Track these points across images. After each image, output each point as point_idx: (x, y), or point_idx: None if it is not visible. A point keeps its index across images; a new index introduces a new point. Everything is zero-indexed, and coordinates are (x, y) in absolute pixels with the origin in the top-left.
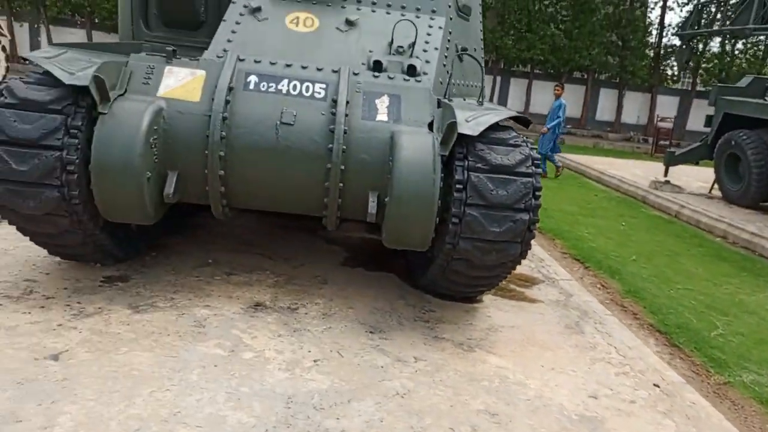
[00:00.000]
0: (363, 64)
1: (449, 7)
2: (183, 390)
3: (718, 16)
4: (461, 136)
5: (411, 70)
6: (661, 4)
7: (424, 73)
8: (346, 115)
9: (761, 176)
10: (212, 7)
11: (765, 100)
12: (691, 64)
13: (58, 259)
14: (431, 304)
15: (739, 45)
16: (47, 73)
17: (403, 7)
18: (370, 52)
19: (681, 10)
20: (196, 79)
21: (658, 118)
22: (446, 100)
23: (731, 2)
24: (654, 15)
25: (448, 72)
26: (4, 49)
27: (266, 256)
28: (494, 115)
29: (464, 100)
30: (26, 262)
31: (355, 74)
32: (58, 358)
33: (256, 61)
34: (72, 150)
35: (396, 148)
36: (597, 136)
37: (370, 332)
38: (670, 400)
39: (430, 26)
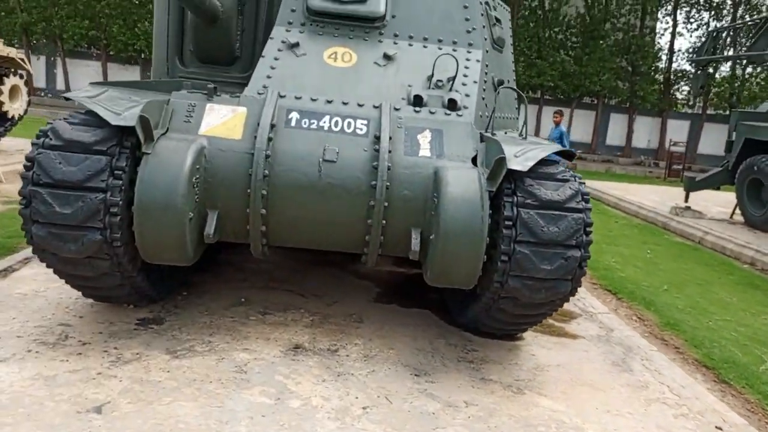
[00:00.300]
0: (403, 98)
1: (485, 40)
2: None
3: (728, 41)
4: (509, 171)
5: (451, 105)
6: (670, 30)
7: (465, 107)
8: (389, 151)
9: None
10: (246, 42)
11: None
12: (705, 89)
13: (90, 300)
14: (473, 343)
15: (749, 69)
16: (91, 112)
17: (439, 41)
18: (410, 86)
19: (690, 35)
20: (238, 116)
21: (671, 143)
22: (489, 134)
23: (743, 29)
24: (663, 41)
25: (486, 105)
26: (27, 83)
27: (298, 294)
28: (542, 150)
29: (505, 133)
30: (59, 304)
31: (396, 109)
32: (101, 410)
33: (296, 98)
34: (116, 191)
35: (441, 183)
36: (608, 160)
37: (416, 375)
38: None
39: (468, 59)
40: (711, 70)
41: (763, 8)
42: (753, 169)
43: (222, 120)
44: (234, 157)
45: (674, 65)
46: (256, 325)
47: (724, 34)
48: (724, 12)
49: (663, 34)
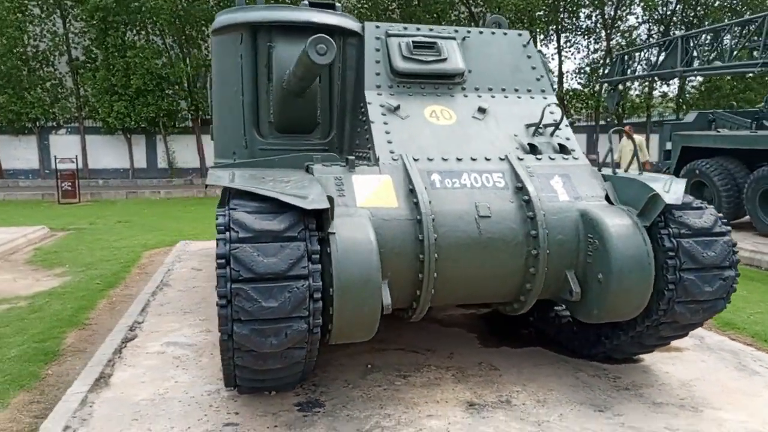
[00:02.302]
0: (517, 148)
1: (552, 86)
2: None
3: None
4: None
5: (562, 149)
6: (557, 57)
7: (573, 150)
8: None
9: (729, 198)
10: (324, 109)
11: (718, 131)
12: (620, 104)
13: (225, 393)
14: (607, 371)
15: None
16: (260, 198)
17: (516, 90)
18: (515, 135)
19: (574, 58)
20: (385, 184)
21: None
22: (610, 174)
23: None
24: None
25: None
26: None
27: (410, 351)
28: (676, 182)
29: (599, 169)
30: (200, 404)
31: (520, 159)
32: None
33: (429, 159)
34: (316, 276)
35: (599, 225)
36: None
37: (599, 411)
38: None
39: (548, 105)
40: (621, 88)
41: (635, 33)
42: (695, 172)
43: (373, 190)
44: (399, 225)
45: (565, 85)
46: (409, 390)
47: (626, 57)
48: (602, 36)
49: (553, 58)
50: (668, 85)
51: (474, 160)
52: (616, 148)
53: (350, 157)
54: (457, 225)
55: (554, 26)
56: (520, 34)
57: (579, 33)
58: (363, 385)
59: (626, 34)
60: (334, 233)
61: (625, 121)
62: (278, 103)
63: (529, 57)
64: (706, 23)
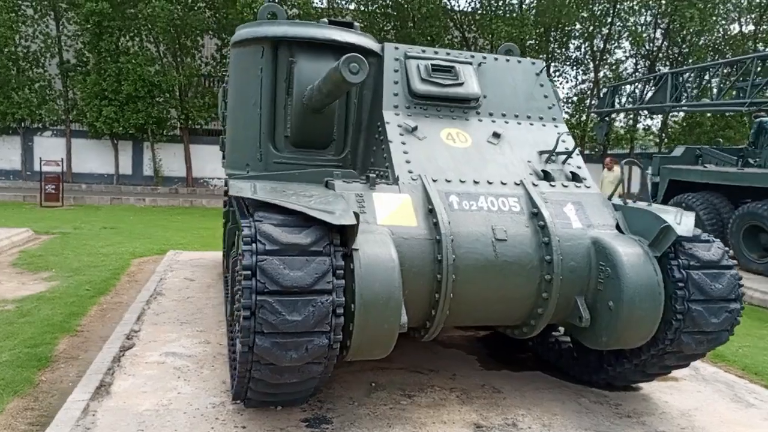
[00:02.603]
0: (531, 174)
1: (562, 115)
2: None
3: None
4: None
5: (575, 177)
6: None
7: (585, 178)
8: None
9: (714, 232)
10: (339, 126)
11: (705, 167)
12: (608, 135)
13: (231, 407)
14: (608, 398)
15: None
16: (286, 211)
17: (528, 117)
18: (529, 162)
19: (562, 87)
20: (404, 203)
21: None
22: (620, 203)
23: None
24: None
25: None
26: None
27: (413, 371)
28: (687, 215)
29: (609, 198)
30: (206, 416)
31: (535, 185)
32: None
33: (447, 181)
34: (340, 292)
35: (612, 253)
36: None
37: None
38: None
39: (559, 133)
40: (608, 119)
41: (621, 67)
42: (681, 205)
43: (393, 208)
44: (418, 244)
45: None
46: (415, 410)
47: (627, 89)
48: (590, 68)
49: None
50: (652, 118)
51: (490, 183)
52: (604, 177)
53: (371, 175)
54: (475, 247)
55: (544, 55)
56: (533, 63)
57: (568, 63)
58: (368, 403)
59: (613, 67)
60: (357, 250)
61: (608, 152)
62: (297, 118)
63: (541, 85)
64: (690, 60)
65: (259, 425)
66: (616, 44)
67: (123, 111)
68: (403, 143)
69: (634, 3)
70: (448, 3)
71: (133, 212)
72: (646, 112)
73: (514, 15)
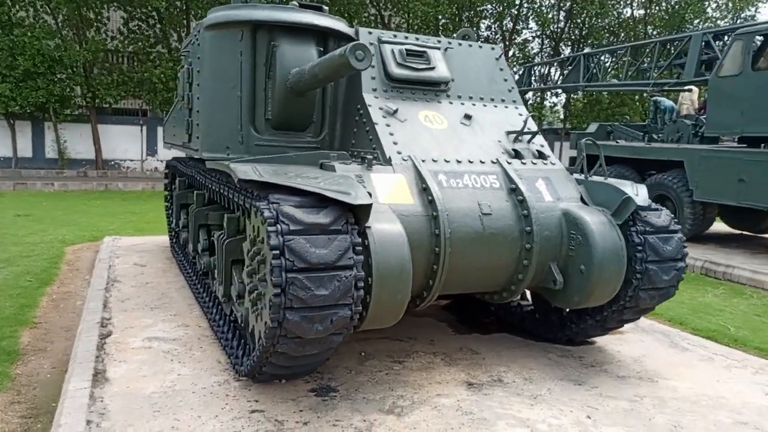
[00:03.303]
0: (503, 153)
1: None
2: None
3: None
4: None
5: (540, 155)
6: None
7: (548, 155)
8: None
9: None
10: (317, 109)
11: (617, 142)
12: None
13: (235, 384)
14: (570, 351)
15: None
16: (301, 193)
17: (492, 100)
18: (499, 141)
19: None
20: (400, 183)
21: None
22: (581, 178)
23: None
24: None
25: None
26: None
27: (394, 339)
28: (641, 187)
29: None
30: (216, 394)
31: (509, 163)
32: None
33: (433, 161)
34: (359, 267)
35: (582, 223)
36: None
37: (578, 385)
38: None
39: (521, 114)
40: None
41: (529, 47)
42: None
43: (391, 188)
44: (417, 220)
45: None
46: (409, 374)
47: (536, 69)
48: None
49: None
50: (557, 96)
51: (471, 162)
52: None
53: (368, 156)
54: (465, 221)
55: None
56: (492, 48)
57: (479, 42)
58: (364, 371)
59: (521, 47)
60: (369, 227)
61: None
62: (279, 101)
63: (501, 69)
64: (590, 41)
65: (271, 398)
66: (523, 25)
67: (20, 88)
68: (388, 125)
69: None
70: None
71: (43, 197)
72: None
73: None
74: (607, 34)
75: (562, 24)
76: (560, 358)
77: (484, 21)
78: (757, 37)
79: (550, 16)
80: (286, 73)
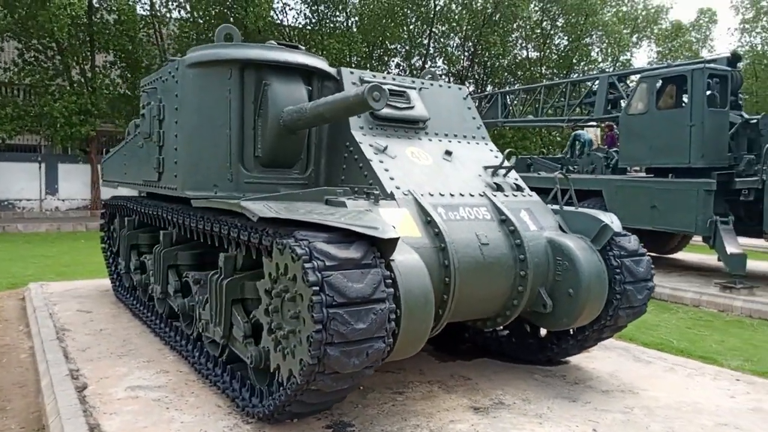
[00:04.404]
0: (486, 186)
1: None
2: None
3: None
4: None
5: (517, 187)
6: None
7: (524, 188)
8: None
9: None
10: (304, 146)
11: (539, 174)
12: None
13: (246, 427)
14: (552, 371)
15: None
16: (325, 228)
17: (464, 137)
18: (479, 176)
19: None
20: (405, 217)
21: None
22: (556, 208)
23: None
24: None
25: None
26: None
27: (384, 371)
28: (613, 216)
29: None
30: None
31: (495, 195)
32: None
33: (430, 194)
34: (390, 299)
35: (568, 250)
36: None
37: (572, 401)
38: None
39: (491, 150)
40: None
41: None
42: None
43: (399, 222)
44: (426, 252)
45: None
46: (415, 403)
47: None
48: None
49: None
50: None
51: (462, 195)
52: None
53: (375, 192)
54: (467, 252)
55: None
56: (460, 88)
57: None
58: (371, 404)
59: None
60: (393, 260)
61: None
62: (271, 139)
63: (469, 108)
64: (495, 80)
65: None
66: (430, 64)
67: None
68: (381, 161)
69: (445, 27)
70: (277, 17)
71: None
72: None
73: (344, 32)
74: (507, 74)
75: (467, 63)
76: (546, 378)
77: (393, 59)
78: (659, 81)
79: (456, 55)
80: (278, 111)
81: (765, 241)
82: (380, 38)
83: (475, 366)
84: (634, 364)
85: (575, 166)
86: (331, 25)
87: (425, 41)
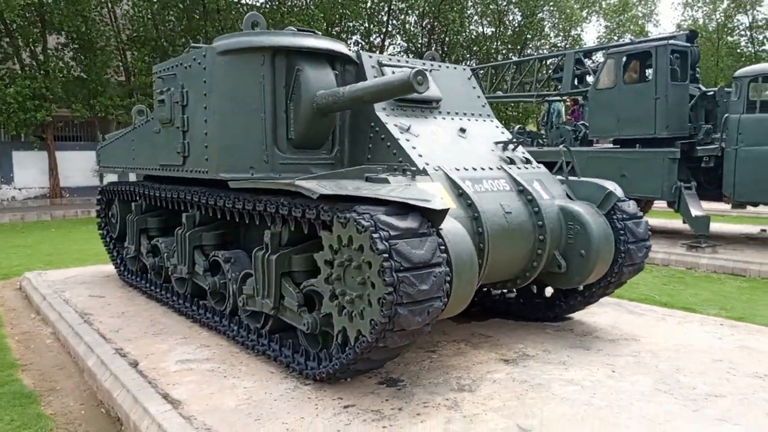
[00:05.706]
0: (500, 160)
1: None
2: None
3: None
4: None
5: (527, 160)
6: None
7: (532, 161)
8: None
9: None
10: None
11: None
12: None
13: (306, 387)
14: (560, 326)
15: None
16: (383, 202)
17: (472, 114)
18: (492, 151)
19: None
20: (441, 190)
21: None
22: (562, 178)
23: None
24: None
25: None
26: None
27: None
28: (615, 184)
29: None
30: (298, 398)
31: (510, 168)
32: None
33: (456, 169)
34: (444, 263)
35: (579, 216)
36: None
37: (587, 350)
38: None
39: (497, 127)
40: None
41: None
42: None
43: (436, 195)
44: (462, 221)
45: None
46: (450, 359)
47: None
48: None
49: None
50: None
51: (483, 169)
52: None
53: (412, 168)
54: (494, 220)
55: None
56: (464, 69)
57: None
58: (412, 361)
59: None
60: (442, 228)
61: None
62: (304, 121)
63: (474, 87)
64: (453, 57)
65: (352, 394)
66: (390, 41)
67: None
68: (408, 140)
69: (403, 4)
70: None
71: None
72: None
73: (303, 10)
74: (465, 51)
75: (425, 40)
76: (557, 332)
77: (351, 36)
78: (625, 57)
79: (414, 32)
80: (311, 95)
81: (724, 204)
82: (338, 16)
83: (491, 325)
84: (629, 316)
85: (544, 139)
86: (289, 3)
87: (384, 18)
